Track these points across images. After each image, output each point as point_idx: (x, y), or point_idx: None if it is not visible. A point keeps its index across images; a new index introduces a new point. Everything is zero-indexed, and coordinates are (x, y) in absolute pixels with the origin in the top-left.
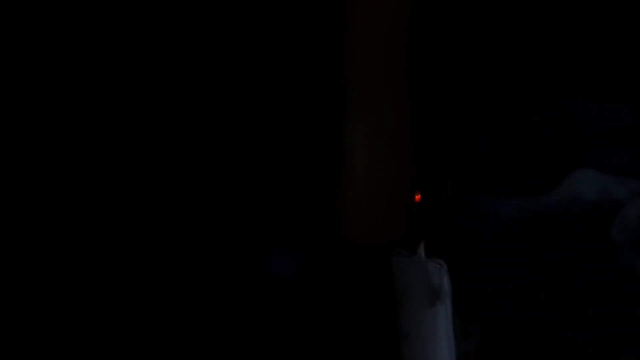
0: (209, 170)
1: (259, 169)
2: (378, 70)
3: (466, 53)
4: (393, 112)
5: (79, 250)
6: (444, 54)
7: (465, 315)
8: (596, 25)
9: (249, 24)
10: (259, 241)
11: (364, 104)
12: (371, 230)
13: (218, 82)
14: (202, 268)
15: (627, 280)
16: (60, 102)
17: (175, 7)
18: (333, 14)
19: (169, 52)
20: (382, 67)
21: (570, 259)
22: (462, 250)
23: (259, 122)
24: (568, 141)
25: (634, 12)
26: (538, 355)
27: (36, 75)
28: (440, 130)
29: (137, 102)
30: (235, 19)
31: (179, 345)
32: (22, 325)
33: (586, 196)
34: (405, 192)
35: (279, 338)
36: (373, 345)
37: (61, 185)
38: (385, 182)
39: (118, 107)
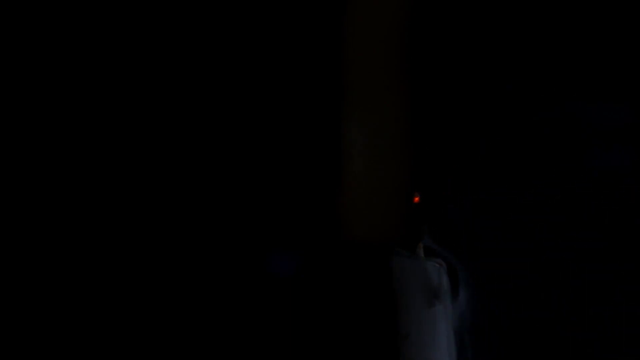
0: (209, 170)
1: (258, 169)
2: (378, 70)
3: (466, 53)
4: (393, 112)
5: (79, 250)
6: (443, 54)
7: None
8: (596, 25)
9: (248, 24)
10: (259, 241)
11: (364, 104)
12: (371, 230)
13: (217, 82)
14: (202, 268)
15: (627, 280)
16: (61, 102)
17: (174, 7)
18: (333, 13)
19: (168, 51)
20: (382, 67)
21: (570, 259)
22: (462, 250)
23: (258, 122)
24: (568, 141)
25: (633, 12)
26: (538, 355)
27: (36, 75)
28: (440, 130)
29: (135, 102)
30: (234, 18)
31: (179, 345)
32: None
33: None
34: (405, 192)
35: (279, 338)
36: (373, 345)
37: (61, 185)
38: (385, 182)
39: (117, 107)
